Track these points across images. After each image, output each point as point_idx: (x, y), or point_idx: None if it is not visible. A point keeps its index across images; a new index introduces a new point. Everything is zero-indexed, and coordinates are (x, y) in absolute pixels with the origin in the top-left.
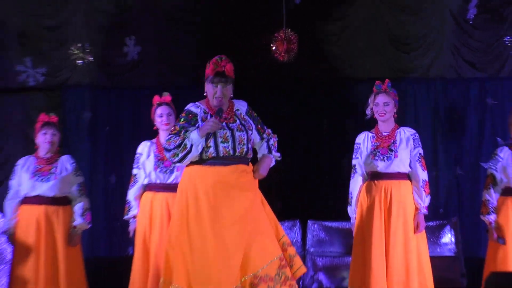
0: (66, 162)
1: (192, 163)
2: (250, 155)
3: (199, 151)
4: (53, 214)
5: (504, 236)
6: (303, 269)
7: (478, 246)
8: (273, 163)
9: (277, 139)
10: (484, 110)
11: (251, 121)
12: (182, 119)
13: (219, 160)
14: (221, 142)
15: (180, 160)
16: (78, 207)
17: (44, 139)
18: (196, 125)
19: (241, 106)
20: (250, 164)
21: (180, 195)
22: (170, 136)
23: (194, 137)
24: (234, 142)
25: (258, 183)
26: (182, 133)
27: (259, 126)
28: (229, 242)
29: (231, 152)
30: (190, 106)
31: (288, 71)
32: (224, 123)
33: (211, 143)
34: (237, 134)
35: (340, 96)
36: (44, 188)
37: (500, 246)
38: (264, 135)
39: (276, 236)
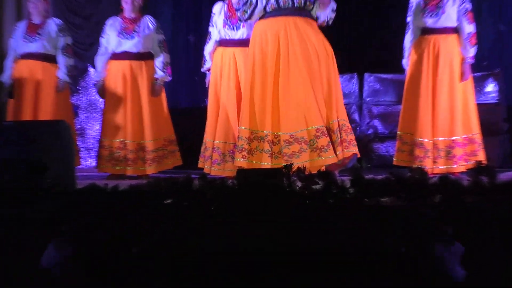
0: (148, 22)
1: (259, 18)
2: (311, 6)
3: (264, 4)
4: (138, 68)
5: None
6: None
7: None
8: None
9: None
10: None
11: None
12: None
13: (280, 11)
14: None
15: (250, 16)
16: (159, 61)
17: (125, 0)
18: None
19: None
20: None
21: (249, 50)
22: None
23: None
24: None
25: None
26: None
27: None
28: (292, 86)
29: (290, 3)
30: None
31: None
32: None
33: None
34: None
35: None
36: (129, 45)
37: None
38: None
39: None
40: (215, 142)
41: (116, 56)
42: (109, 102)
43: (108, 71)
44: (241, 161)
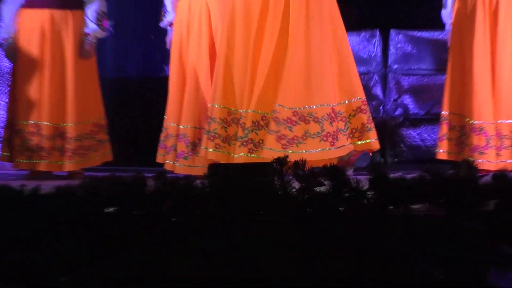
0: None
1: None
2: None
3: None
4: (61, 18)
5: None
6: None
7: None
8: None
9: None
10: None
11: None
12: None
13: None
14: None
15: None
16: (91, 10)
17: None
18: None
19: None
20: None
21: None
22: None
23: None
24: None
25: None
26: None
27: None
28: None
29: None
30: None
31: None
32: None
33: None
34: None
35: None
36: None
37: None
38: None
39: None
40: (180, 127)
41: (30, 2)
42: (20, 68)
43: (20, 24)
44: (213, 152)
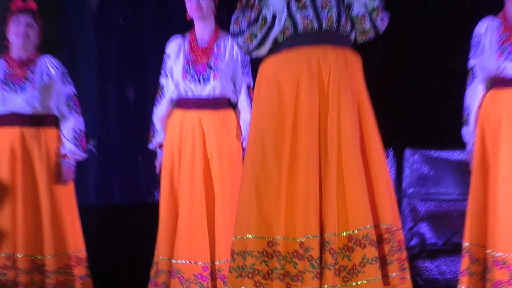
0: (48, 64)
1: (268, 54)
2: (349, 27)
3: (282, 26)
4: (33, 138)
5: None
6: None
7: None
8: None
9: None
10: None
11: None
12: None
13: (300, 38)
14: (298, 9)
15: (260, 44)
16: (67, 128)
17: (16, 32)
18: None
19: None
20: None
21: (253, 109)
22: (236, 14)
23: (274, 2)
24: (315, 7)
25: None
26: (255, 2)
27: None
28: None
29: (315, 23)
30: None
31: None
32: None
33: (285, 12)
34: None
35: None
36: (19, 102)
37: None
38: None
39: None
40: (174, 261)
41: None
42: None
43: None
44: None
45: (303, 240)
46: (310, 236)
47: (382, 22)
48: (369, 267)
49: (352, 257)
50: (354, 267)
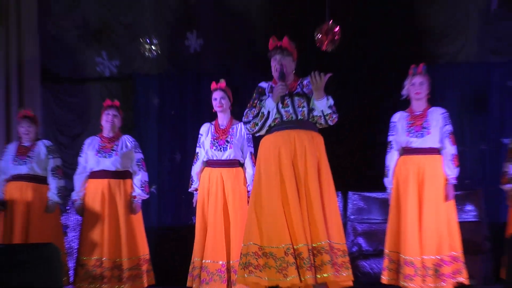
0: (126, 140)
1: (265, 133)
2: (315, 119)
3: (273, 117)
4: (116, 186)
5: None
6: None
7: (499, 212)
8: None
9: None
10: (505, 92)
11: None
12: (254, 94)
13: (284, 124)
14: (282, 107)
15: (260, 128)
16: (137, 180)
17: (106, 119)
18: (267, 96)
19: (306, 79)
20: (319, 135)
21: (256, 166)
22: (246, 110)
23: (269, 103)
24: (293, 106)
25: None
26: (257, 103)
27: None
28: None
29: (293, 116)
30: (260, 83)
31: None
32: (287, 91)
33: (275, 109)
34: (296, 98)
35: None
36: (107, 163)
37: None
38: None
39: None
40: (203, 261)
41: (94, 174)
42: (87, 220)
43: (87, 189)
44: (248, 277)
45: (280, 247)
46: (283, 246)
47: (332, 121)
48: (325, 266)
49: (317, 259)
50: (317, 266)
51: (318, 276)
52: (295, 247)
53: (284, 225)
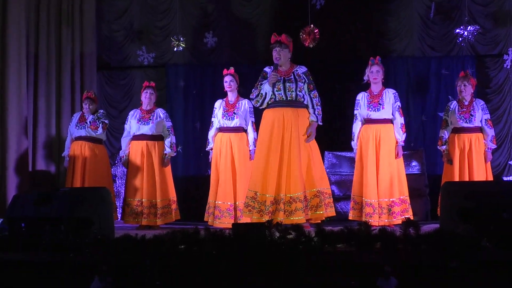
0: (159, 112)
1: (266, 108)
2: (302, 100)
3: (270, 97)
4: (152, 146)
5: (452, 159)
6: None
7: (436, 166)
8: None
9: (320, 104)
10: (440, 78)
11: (305, 78)
12: (260, 77)
13: (277, 103)
14: (276, 90)
15: (261, 104)
16: (168, 142)
17: (144, 96)
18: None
19: (300, 69)
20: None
21: (259, 132)
22: (253, 90)
23: (266, 86)
24: (284, 90)
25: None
26: (259, 86)
27: (310, 85)
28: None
29: (283, 97)
30: (265, 68)
31: (312, 54)
32: (281, 77)
33: (270, 92)
34: (287, 84)
35: (347, 69)
36: (146, 129)
37: (449, 165)
38: (312, 93)
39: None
40: (216, 202)
41: (136, 137)
42: (130, 171)
43: (130, 148)
44: (248, 214)
45: (263, 195)
46: (268, 195)
47: (317, 100)
48: (298, 212)
49: (292, 206)
50: (291, 211)
51: (291, 218)
52: (267, 195)
53: (266, 179)
